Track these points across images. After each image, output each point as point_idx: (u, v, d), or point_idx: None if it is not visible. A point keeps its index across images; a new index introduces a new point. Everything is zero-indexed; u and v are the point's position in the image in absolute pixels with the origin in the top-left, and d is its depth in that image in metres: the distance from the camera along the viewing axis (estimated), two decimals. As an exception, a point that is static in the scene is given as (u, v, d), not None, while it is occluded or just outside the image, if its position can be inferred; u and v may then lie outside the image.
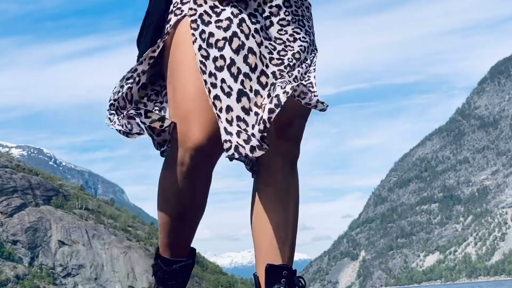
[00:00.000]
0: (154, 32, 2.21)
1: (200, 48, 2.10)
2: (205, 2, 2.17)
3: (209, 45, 2.10)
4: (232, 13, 2.13)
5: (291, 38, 2.19)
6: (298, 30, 2.22)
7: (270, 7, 2.19)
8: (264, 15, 2.19)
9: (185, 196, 2.18)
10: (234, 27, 2.11)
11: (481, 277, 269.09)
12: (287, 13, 2.21)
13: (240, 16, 2.13)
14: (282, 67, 2.12)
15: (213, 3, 2.14)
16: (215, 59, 2.08)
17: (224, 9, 2.14)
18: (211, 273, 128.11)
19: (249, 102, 2.05)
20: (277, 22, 2.19)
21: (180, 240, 2.29)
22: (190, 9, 2.15)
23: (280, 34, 2.19)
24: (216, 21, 2.12)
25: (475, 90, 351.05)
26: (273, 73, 2.10)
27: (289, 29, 2.20)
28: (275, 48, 2.16)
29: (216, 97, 2.06)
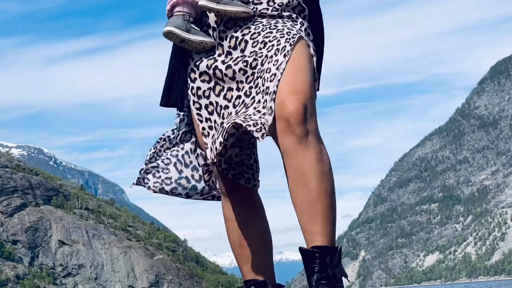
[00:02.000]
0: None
1: (194, 103, 2.48)
2: (192, 59, 2.49)
3: (199, 97, 2.46)
4: (207, 65, 2.43)
5: (261, 45, 2.33)
6: (268, 34, 2.34)
7: (243, 34, 2.40)
8: (239, 41, 2.40)
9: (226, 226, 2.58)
10: (214, 78, 2.43)
11: (481, 277, 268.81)
12: (257, 27, 2.38)
13: (214, 65, 2.41)
14: (252, 84, 2.31)
15: (195, 57, 2.48)
16: (206, 106, 2.44)
17: (202, 60, 2.45)
18: (211, 272, 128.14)
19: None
20: (250, 38, 2.38)
21: (240, 265, 2.54)
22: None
23: (253, 47, 2.35)
24: (200, 75, 2.45)
25: (475, 90, 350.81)
26: (245, 92, 2.34)
27: (260, 37, 2.35)
28: (247, 65, 2.33)
29: (212, 136, 2.42)
